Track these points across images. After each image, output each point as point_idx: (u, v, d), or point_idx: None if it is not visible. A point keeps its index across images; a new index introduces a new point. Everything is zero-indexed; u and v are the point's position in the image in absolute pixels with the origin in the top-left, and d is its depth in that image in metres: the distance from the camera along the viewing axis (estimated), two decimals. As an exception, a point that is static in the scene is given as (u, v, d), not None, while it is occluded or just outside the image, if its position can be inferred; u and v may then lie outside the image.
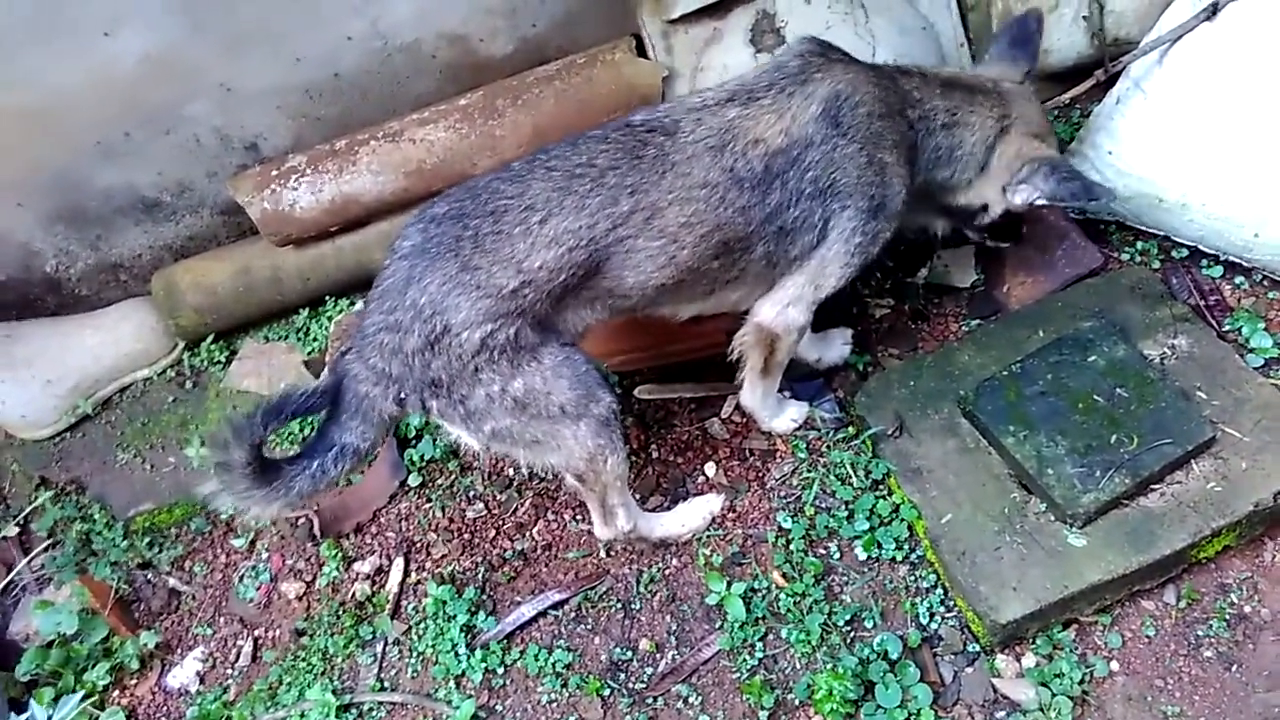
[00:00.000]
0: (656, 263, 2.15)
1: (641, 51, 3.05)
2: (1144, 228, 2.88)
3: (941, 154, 2.41)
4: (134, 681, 2.66)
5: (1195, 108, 2.57)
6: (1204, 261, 2.84)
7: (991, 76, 2.52)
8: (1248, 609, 2.32)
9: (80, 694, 2.37)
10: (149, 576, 2.84)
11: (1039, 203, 2.45)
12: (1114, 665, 2.30)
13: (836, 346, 2.84)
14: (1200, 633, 2.31)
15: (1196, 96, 2.57)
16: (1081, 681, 2.26)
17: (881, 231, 2.33)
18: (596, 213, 2.07)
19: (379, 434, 2.20)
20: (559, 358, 2.14)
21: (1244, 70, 2.47)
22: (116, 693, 2.64)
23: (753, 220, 2.19)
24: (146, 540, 2.88)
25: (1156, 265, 2.87)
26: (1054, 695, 2.24)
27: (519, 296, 2.05)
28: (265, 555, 2.82)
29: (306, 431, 2.97)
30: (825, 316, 2.62)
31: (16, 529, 2.95)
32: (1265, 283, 2.77)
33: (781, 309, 2.37)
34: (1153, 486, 2.34)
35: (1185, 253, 2.85)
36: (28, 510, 2.99)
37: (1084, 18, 3.06)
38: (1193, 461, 2.35)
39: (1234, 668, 2.25)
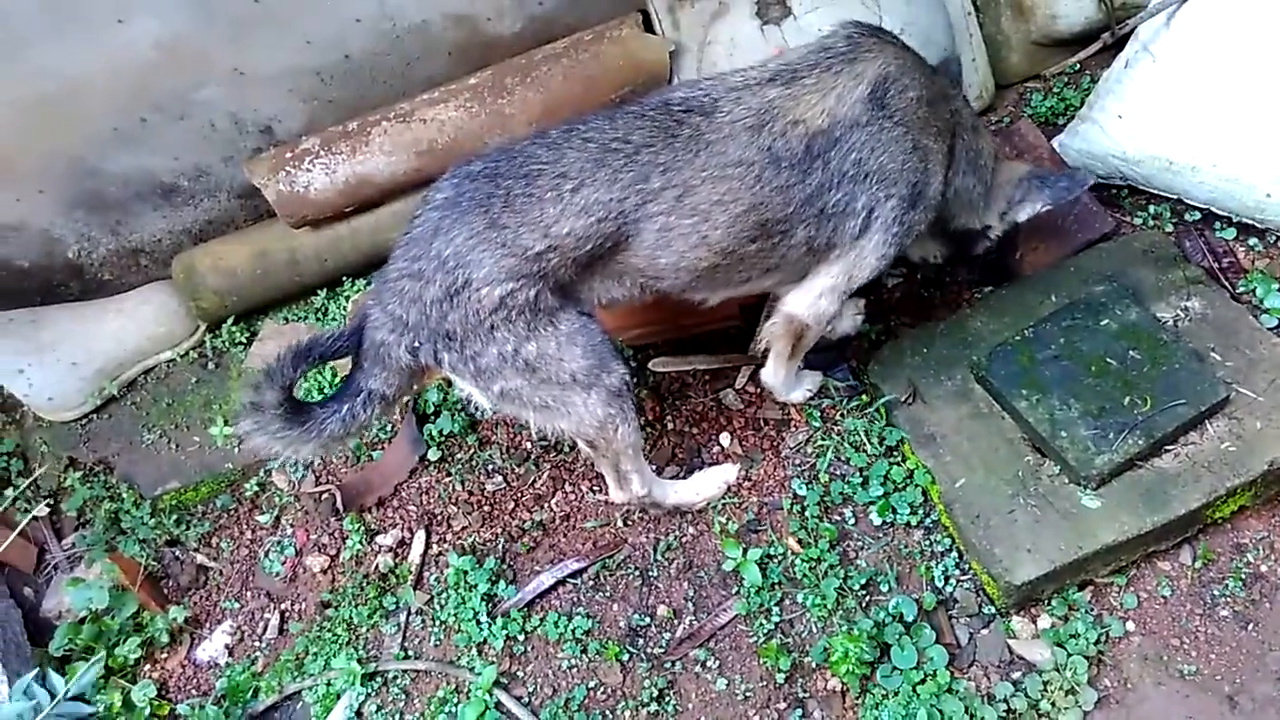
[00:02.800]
0: (689, 241, 2.14)
1: (648, 27, 3.05)
2: (1156, 191, 2.87)
3: (972, 156, 2.41)
4: (164, 655, 2.72)
5: (1204, 69, 2.55)
6: (1217, 224, 2.82)
7: None
8: (1264, 568, 2.33)
9: (98, 656, 2.39)
10: (177, 553, 2.90)
11: (1042, 209, 2.53)
12: (1130, 625, 2.31)
13: (849, 316, 2.85)
14: (1216, 592, 2.32)
15: (1205, 57, 2.55)
16: (1097, 642, 2.28)
17: (917, 223, 2.31)
18: (628, 187, 2.07)
19: (402, 381, 2.23)
20: (575, 325, 2.16)
21: (1251, 30, 2.45)
22: (147, 666, 2.71)
23: (793, 200, 2.15)
24: (174, 518, 2.93)
25: (1169, 229, 2.86)
26: (1070, 655, 2.26)
27: (543, 260, 2.07)
28: (290, 530, 2.88)
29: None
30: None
31: (47, 509, 3.02)
32: (1279, 243, 2.76)
33: (814, 300, 2.36)
34: (1167, 447, 2.34)
35: (1198, 215, 2.84)
36: (57, 490, 3.05)
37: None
38: (1207, 422, 2.35)
39: (1250, 626, 2.26)
